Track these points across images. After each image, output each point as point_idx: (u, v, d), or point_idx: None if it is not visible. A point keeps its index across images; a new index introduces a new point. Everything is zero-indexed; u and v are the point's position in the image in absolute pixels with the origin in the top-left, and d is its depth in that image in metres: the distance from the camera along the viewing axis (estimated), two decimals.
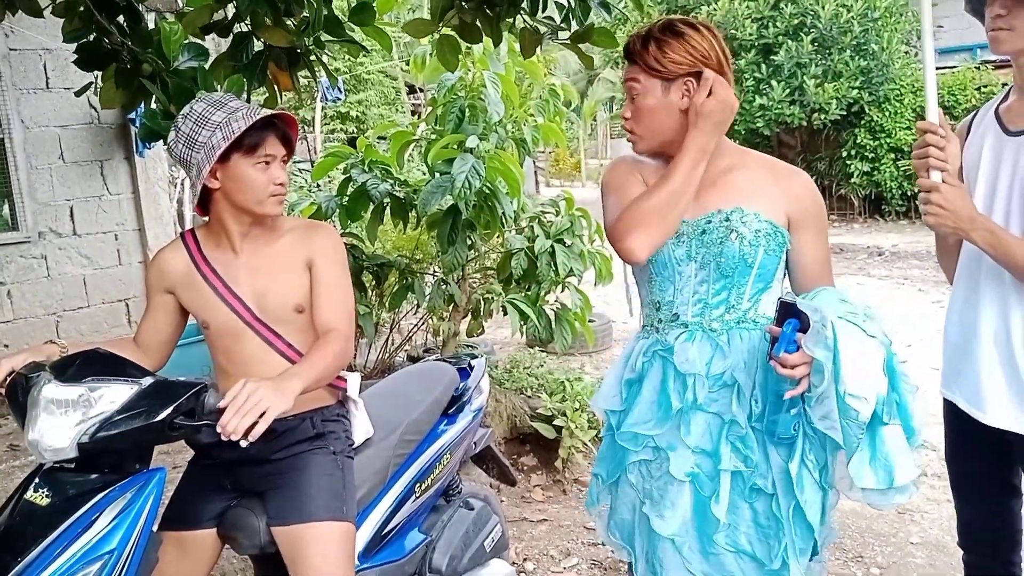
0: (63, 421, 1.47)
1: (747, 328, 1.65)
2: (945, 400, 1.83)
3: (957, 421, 1.79)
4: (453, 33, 2.40)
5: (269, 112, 1.78)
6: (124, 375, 1.54)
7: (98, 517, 1.49)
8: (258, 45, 2.42)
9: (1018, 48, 1.60)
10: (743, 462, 1.61)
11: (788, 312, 1.49)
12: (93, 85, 2.57)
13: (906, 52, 11.36)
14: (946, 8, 10.31)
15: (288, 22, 2.36)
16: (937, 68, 1.65)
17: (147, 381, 1.54)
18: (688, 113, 1.61)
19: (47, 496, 1.48)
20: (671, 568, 1.63)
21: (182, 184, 6.30)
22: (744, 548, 1.61)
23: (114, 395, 1.50)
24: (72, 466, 1.51)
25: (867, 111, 11.03)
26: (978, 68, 10.96)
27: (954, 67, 11.09)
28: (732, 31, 10.76)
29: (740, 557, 1.61)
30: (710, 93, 1.56)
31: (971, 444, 1.80)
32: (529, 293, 3.76)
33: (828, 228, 1.73)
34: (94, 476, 1.52)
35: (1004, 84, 9.99)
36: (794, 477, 1.57)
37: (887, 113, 11.01)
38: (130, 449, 1.55)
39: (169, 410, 1.50)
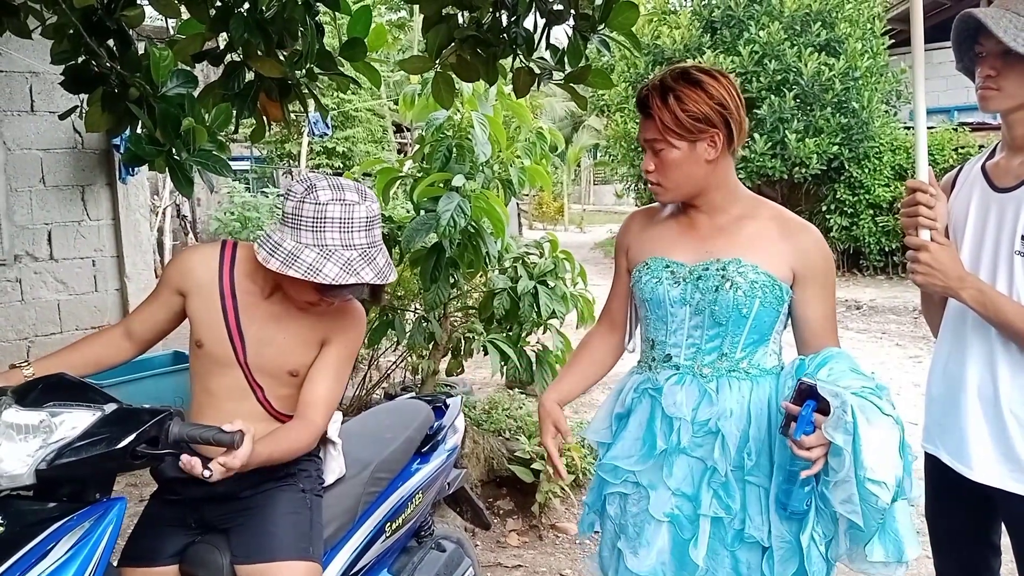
0: (22, 447, 1.41)
1: (738, 377, 1.63)
2: (927, 455, 1.81)
3: (940, 476, 1.77)
4: (449, 72, 2.41)
5: (376, 280, 1.61)
6: (87, 400, 1.48)
7: (53, 547, 1.41)
8: (250, 75, 2.42)
9: (1005, 107, 1.63)
10: (724, 510, 1.59)
11: (807, 394, 1.47)
12: (79, 108, 2.54)
13: (885, 111, 11.60)
14: (925, 71, 10.55)
15: (280, 54, 2.36)
16: None
17: (110, 407, 1.49)
18: (714, 163, 1.59)
19: (1, 524, 1.41)
20: None
21: (163, 212, 6.25)
22: None
23: (76, 421, 1.44)
24: (30, 494, 1.45)
25: (847, 167, 11.21)
26: (955, 130, 11.20)
27: (932, 127, 11.32)
28: None
29: None
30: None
31: (954, 500, 1.78)
32: (511, 334, 3.73)
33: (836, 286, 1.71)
34: (51, 505, 1.45)
35: (981, 146, 10.22)
36: (804, 549, 1.55)
37: (866, 170, 11.19)
38: (91, 477, 1.48)
39: (131, 437, 1.44)
